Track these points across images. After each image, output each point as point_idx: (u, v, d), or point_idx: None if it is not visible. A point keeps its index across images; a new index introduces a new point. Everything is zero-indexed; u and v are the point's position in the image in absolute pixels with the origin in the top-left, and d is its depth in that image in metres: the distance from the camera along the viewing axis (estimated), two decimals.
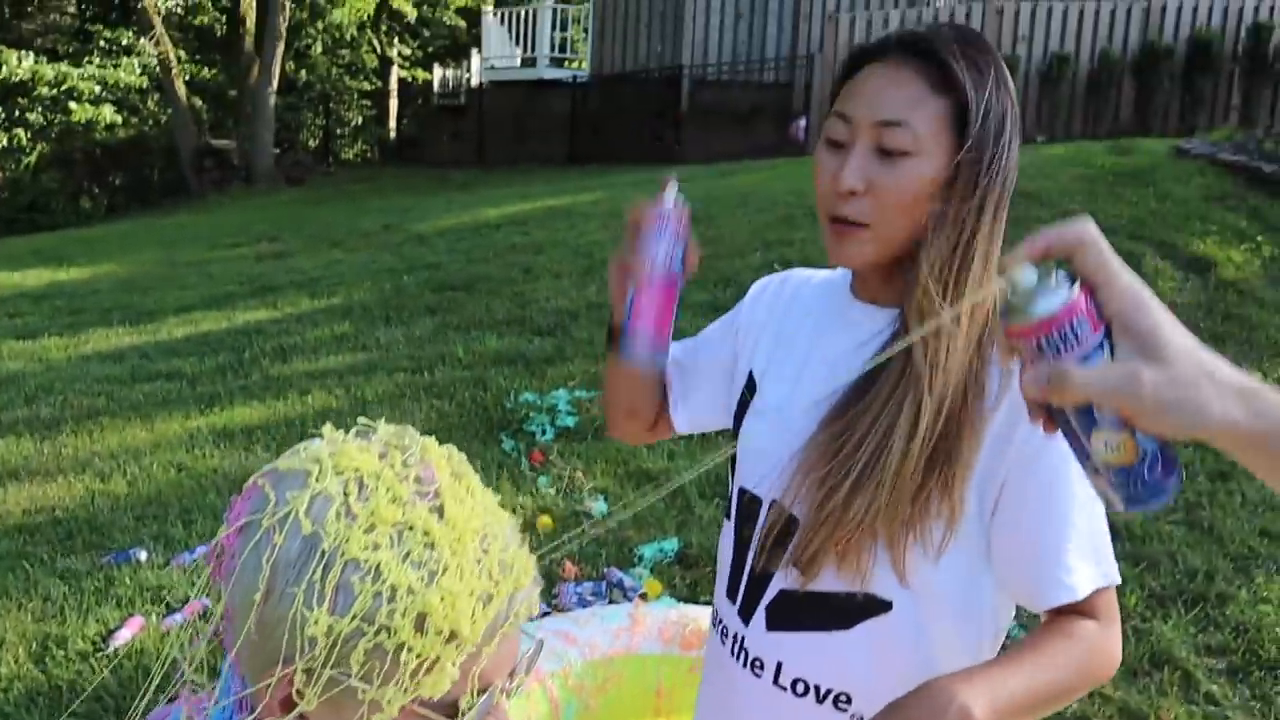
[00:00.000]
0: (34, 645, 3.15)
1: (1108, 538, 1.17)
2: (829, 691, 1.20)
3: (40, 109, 17.31)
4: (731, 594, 1.28)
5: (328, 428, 0.81)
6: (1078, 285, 0.68)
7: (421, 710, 0.74)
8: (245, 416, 5.17)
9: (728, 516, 1.32)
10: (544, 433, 4.52)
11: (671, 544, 3.45)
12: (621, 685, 2.07)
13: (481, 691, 0.76)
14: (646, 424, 1.46)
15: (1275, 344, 5.16)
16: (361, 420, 0.82)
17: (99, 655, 3.07)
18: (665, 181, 1.26)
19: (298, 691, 0.72)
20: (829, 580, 1.16)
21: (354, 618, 0.70)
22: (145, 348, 6.67)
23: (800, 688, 1.21)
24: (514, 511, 3.36)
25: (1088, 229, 0.69)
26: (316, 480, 0.74)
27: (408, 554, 0.71)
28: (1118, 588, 1.17)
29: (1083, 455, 0.75)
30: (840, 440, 1.13)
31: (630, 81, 14.82)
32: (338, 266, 8.73)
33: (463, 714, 0.75)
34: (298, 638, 0.71)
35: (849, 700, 1.19)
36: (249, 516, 0.75)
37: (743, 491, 1.27)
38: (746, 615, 1.25)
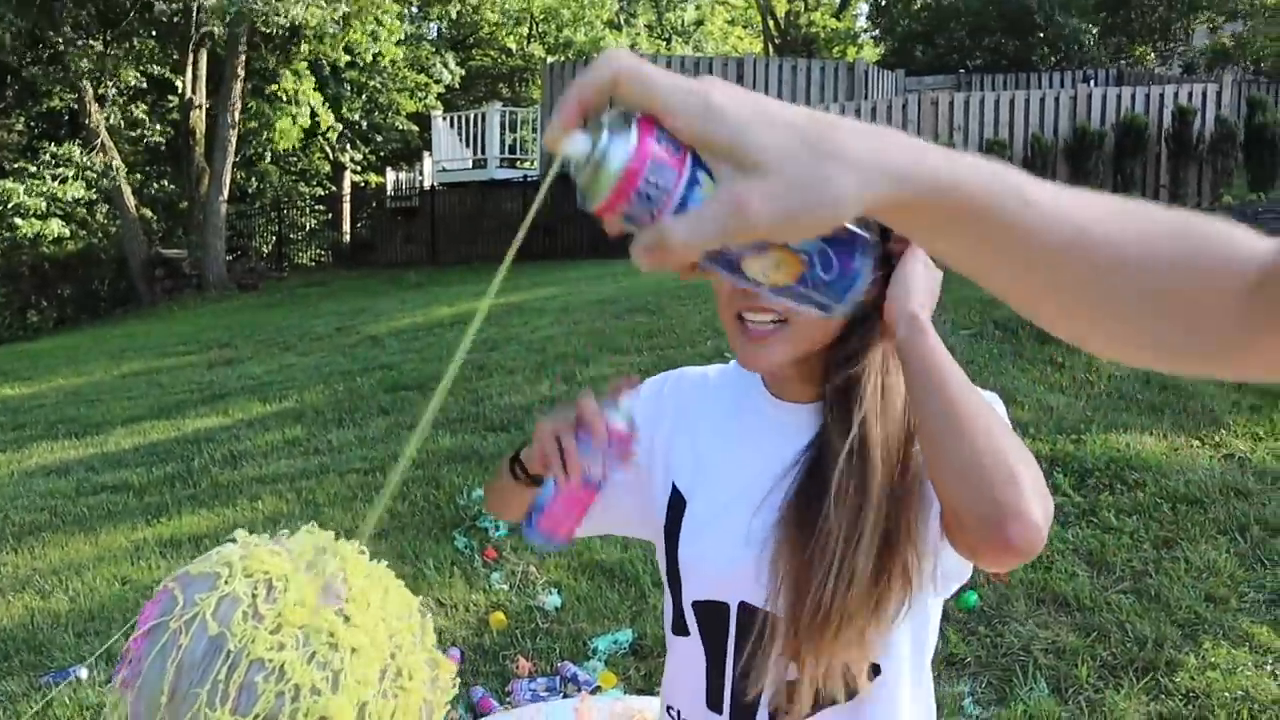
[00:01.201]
0: None
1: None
2: None
3: None
4: (716, 705, 1.25)
5: (240, 533, 0.81)
6: (634, 129, 0.54)
7: None
8: (193, 525, 5.09)
9: (680, 633, 1.28)
10: (497, 529, 4.48)
11: (626, 635, 3.42)
12: None
13: None
14: (518, 516, 1.42)
15: (1210, 412, 5.27)
16: (302, 526, 0.83)
17: None
18: (623, 387, 1.18)
19: None
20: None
21: (256, 718, 0.70)
22: (91, 460, 6.57)
23: None
24: (467, 609, 3.33)
25: (616, 59, 0.54)
26: (225, 583, 0.74)
27: (312, 655, 0.71)
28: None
29: (754, 288, 0.65)
30: (803, 543, 1.12)
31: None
32: (290, 370, 8.70)
33: None
34: None
35: None
36: (156, 619, 0.75)
37: (699, 604, 1.24)
38: (747, 718, 1.23)
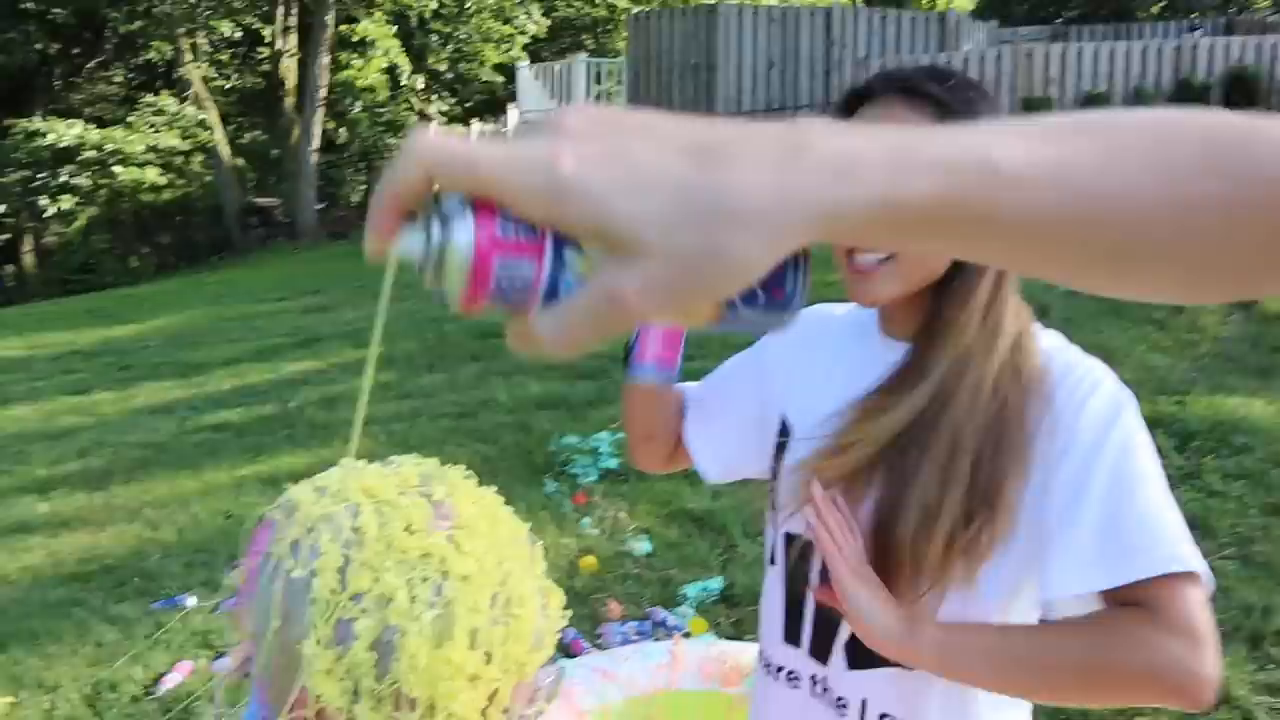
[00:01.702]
0: (87, 689, 3.19)
1: (1183, 528, 1.07)
2: None
3: (88, 173, 17.81)
4: (792, 638, 1.27)
5: (346, 459, 0.82)
6: (469, 218, 0.44)
7: None
8: (291, 464, 5.24)
9: (771, 562, 1.31)
10: (587, 474, 4.53)
11: (716, 583, 3.44)
12: None
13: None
14: (665, 450, 1.45)
15: None
16: (391, 457, 0.83)
17: (150, 699, 3.10)
18: None
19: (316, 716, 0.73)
20: None
21: (364, 646, 0.70)
22: (194, 400, 6.79)
23: None
24: (557, 553, 3.38)
25: (419, 147, 0.43)
26: (331, 504, 0.74)
27: (424, 581, 0.71)
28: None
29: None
30: (895, 471, 1.12)
31: None
32: None
33: None
34: (309, 665, 0.71)
35: None
36: (267, 547, 0.76)
37: (789, 536, 1.26)
38: (822, 656, 1.23)
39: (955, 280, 1.13)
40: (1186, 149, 0.44)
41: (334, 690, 0.71)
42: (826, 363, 1.30)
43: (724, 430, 1.41)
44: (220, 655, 3.34)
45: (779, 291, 0.50)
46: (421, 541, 0.72)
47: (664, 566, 3.63)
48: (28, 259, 20.06)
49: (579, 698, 2.06)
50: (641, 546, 3.76)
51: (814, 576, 1.22)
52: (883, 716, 1.20)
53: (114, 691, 3.16)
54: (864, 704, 1.21)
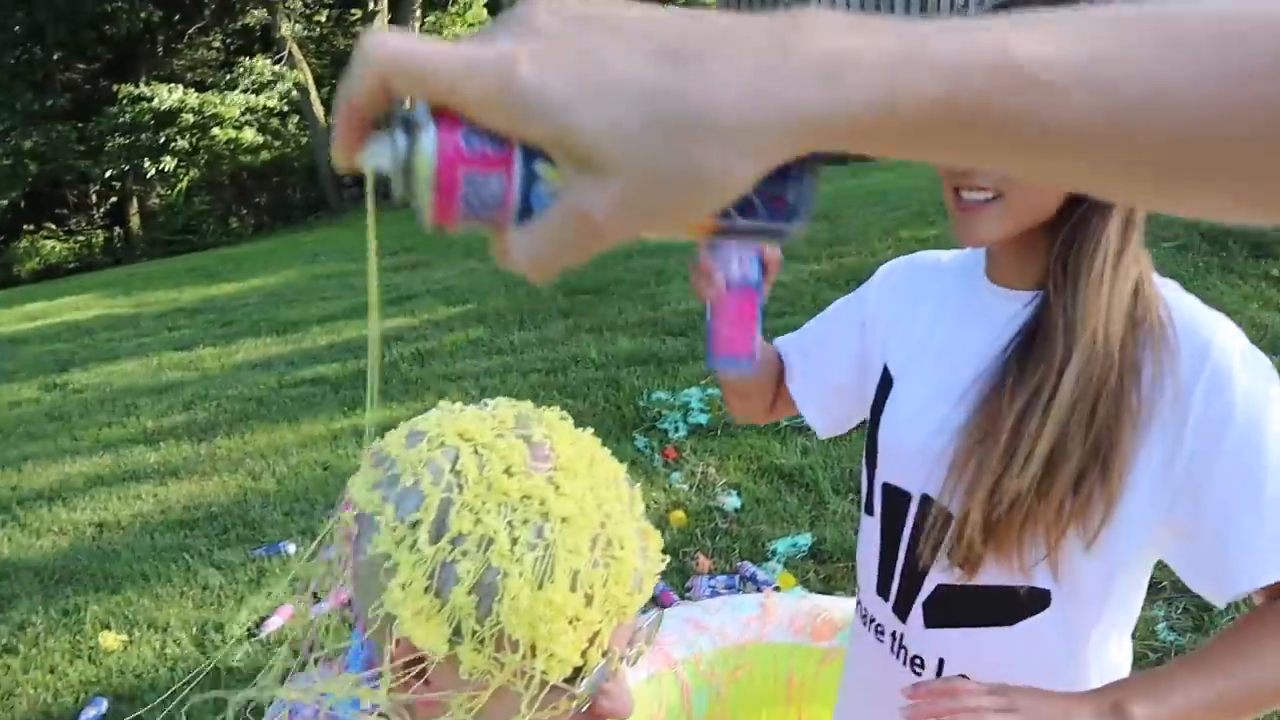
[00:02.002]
0: (195, 630, 3.31)
1: None
2: None
3: (188, 137, 18.31)
4: (882, 591, 1.24)
5: (443, 402, 0.80)
6: (432, 129, 0.40)
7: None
8: (385, 417, 5.34)
9: (869, 512, 1.27)
10: (677, 430, 4.52)
11: (805, 539, 3.40)
12: (752, 674, 2.05)
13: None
14: (763, 405, 1.43)
15: None
16: (485, 400, 0.82)
17: (253, 640, 3.21)
18: None
19: (414, 659, 0.73)
20: (989, 575, 1.11)
21: (465, 589, 0.69)
22: (291, 355, 6.95)
23: None
24: (647, 507, 3.37)
25: (375, 48, 0.39)
26: (429, 449, 0.73)
27: (524, 523, 0.70)
28: None
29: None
30: (998, 432, 1.06)
31: None
32: (472, 275, 8.94)
33: (581, 680, 0.73)
34: (404, 611, 0.70)
35: None
36: (368, 486, 0.75)
37: (888, 486, 1.23)
38: (902, 612, 1.21)
39: (1076, 223, 1.06)
40: (1257, 43, 0.37)
41: (431, 634, 0.70)
42: (930, 311, 1.25)
43: (830, 382, 1.38)
44: (319, 601, 3.43)
45: (779, 201, 0.45)
46: (521, 483, 0.71)
47: (753, 522, 3.61)
48: (134, 221, 20.76)
49: (670, 647, 2.06)
50: (731, 502, 3.75)
51: (908, 530, 1.19)
52: (959, 677, 1.17)
53: (219, 632, 3.27)
54: (941, 663, 1.19)
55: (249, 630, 3.27)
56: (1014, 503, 1.04)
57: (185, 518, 4.31)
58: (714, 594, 3.18)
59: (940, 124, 0.38)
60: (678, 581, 3.29)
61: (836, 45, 0.37)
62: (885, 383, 1.26)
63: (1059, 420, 1.03)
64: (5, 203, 18.79)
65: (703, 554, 3.39)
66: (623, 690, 0.79)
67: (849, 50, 0.37)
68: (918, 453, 1.16)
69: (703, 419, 4.55)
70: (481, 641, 0.70)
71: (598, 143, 0.37)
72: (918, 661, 1.20)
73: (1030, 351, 1.07)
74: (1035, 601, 1.11)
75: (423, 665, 0.73)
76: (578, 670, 0.73)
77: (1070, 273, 1.05)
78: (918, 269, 1.33)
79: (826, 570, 3.24)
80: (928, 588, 1.17)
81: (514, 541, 0.69)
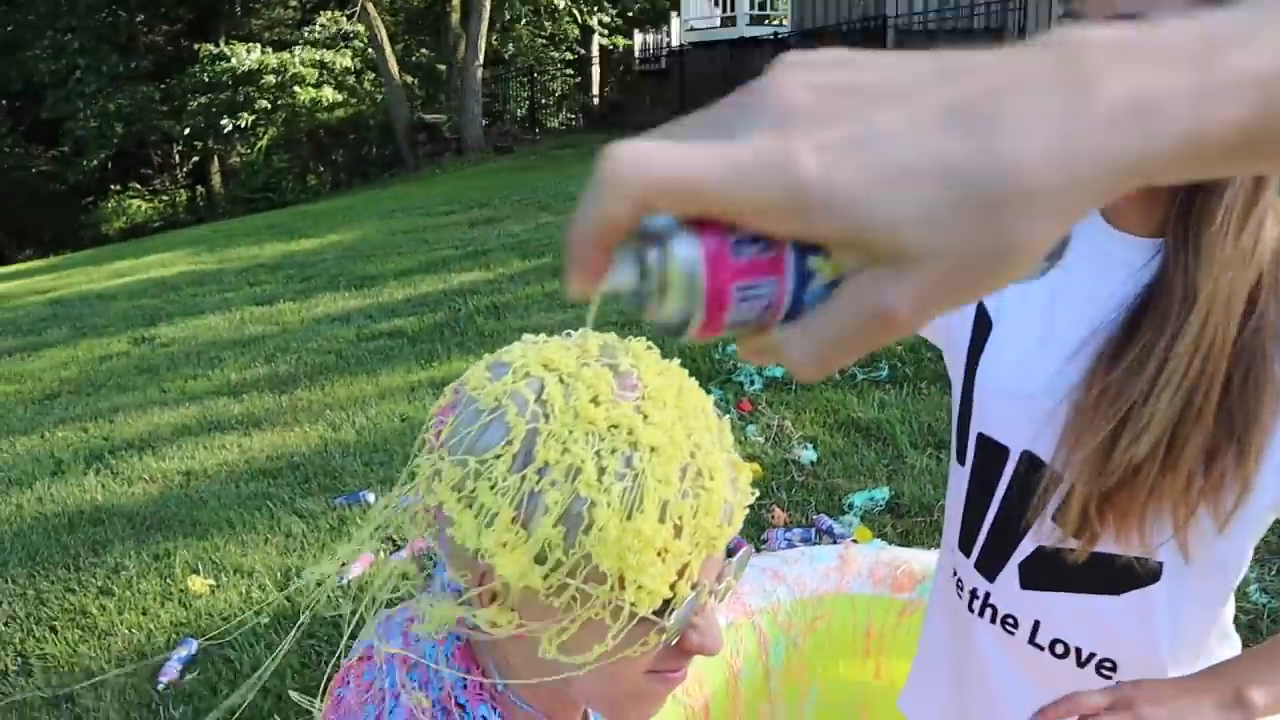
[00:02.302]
0: (279, 575, 3.39)
1: None
2: (1092, 656, 1.11)
3: (266, 95, 18.60)
4: (965, 546, 1.18)
5: (527, 335, 0.79)
6: (694, 244, 0.36)
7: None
8: (461, 369, 5.34)
9: (960, 461, 1.19)
10: (752, 383, 4.49)
11: (882, 493, 3.35)
12: (831, 624, 2.02)
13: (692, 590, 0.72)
14: None
15: None
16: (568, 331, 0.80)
17: (337, 586, 3.27)
18: None
19: (497, 592, 0.72)
20: (1100, 544, 1.03)
21: (552, 519, 0.67)
22: (369, 309, 7.05)
23: (1060, 649, 1.12)
24: None
25: (631, 168, 0.34)
26: (514, 380, 0.71)
27: (612, 453, 0.68)
28: None
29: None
30: (1115, 395, 0.98)
31: (833, 35, 14.46)
32: (547, 228, 8.96)
33: (669, 614, 0.71)
34: (491, 541, 0.69)
35: (1114, 667, 1.10)
36: (452, 416, 0.74)
37: (984, 438, 1.14)
38: (990, 571, 1.15)
39: None
40: None
41: (518, 565, 0.69)
42: None
43: None
44: (398, 549, 3.49)
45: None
46: (609, 412, 0.69)
47: (829, 475, 3.57)
48: (215, 180, 21.21)
49: (748, 597, 2.04)
50: (807, 455, 3.71)
51: (1003, 486, 1.12)
52: (1055, 641, 1.12)
53: (302, 578, 3.34)
54: (1036, 625, 1.13)
55: (332, 576, 3.34)
56: (1133, 475, 0.96)
57: (268, 467, 4.40)
58: (790, 546, 3.16)
59: (1243, 143, 0.34)
60: (753, 534, 3.27)
61: (1137, 83, 0.33)
62: (983, 323, 1.15)
63: (1180, 388, 0.94)
64: (93, 164, 19.30)
65: (778, 507, 3.36)
66: (713, 625, 0.77)
67: (1150, 84, 0.33)
68: (1021, 407, 1.08)
69: (778, 372, 4.51)
70: (569, 573, 0.68)
71: (902, 233, 0.33)
72: (1010, 621, 1.14)
73: (1149, 309, 0.98)
74: (1147, 574, 1.04)
75: (509, 597, 0.72)
76: (667, 603, 0.71)
77: (1191, 224, 0.96)
78: None
79: (904, 525, 3.19)
80: (1025, 548, 1.10)
81: (601, 471, 0.67)
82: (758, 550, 3.18)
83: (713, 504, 0.70)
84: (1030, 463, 1.07)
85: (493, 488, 0.69)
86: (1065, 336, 1.05)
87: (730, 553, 0.80)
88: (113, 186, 21.03)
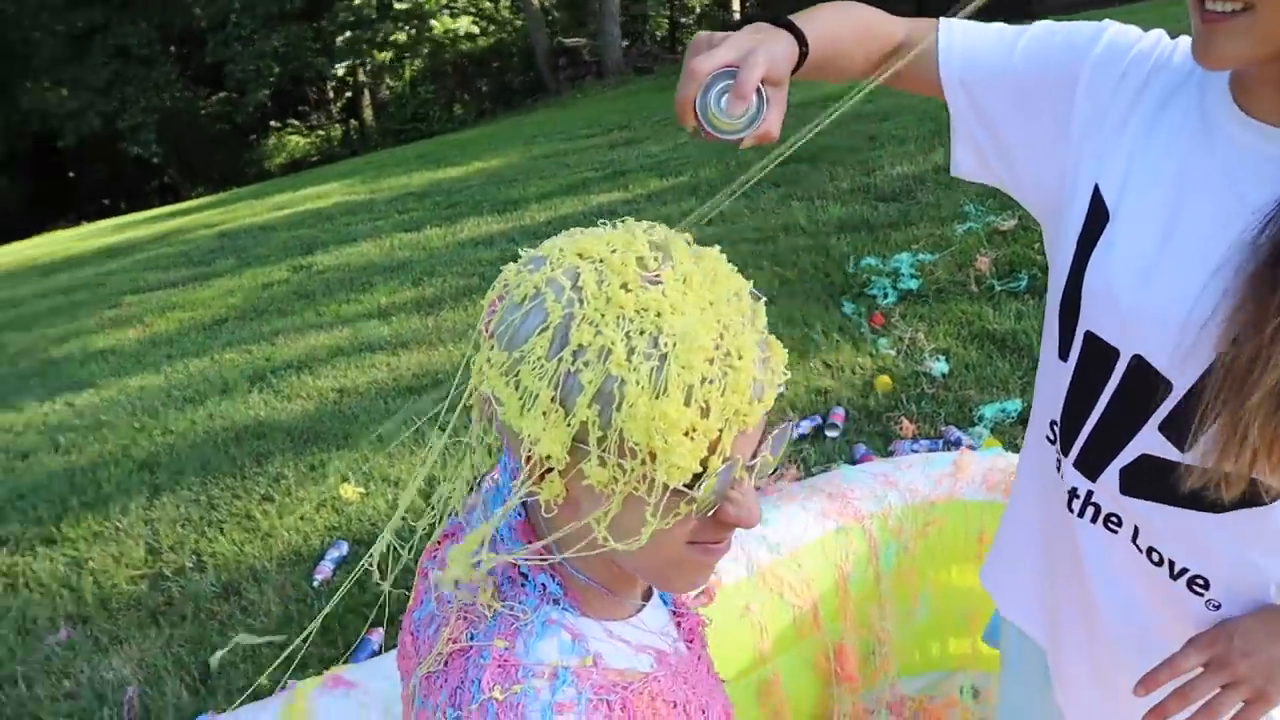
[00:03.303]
0: (423, 484, 3.57)
1: None
2: (1184, 570, 1.07)
3: (409, 27, 18.95)
4: (1065, 444, 1.14)
5: (574, 229, 0.82)
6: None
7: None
8: None
9: (1062, 357, 1.13)
10: (885, 296, 4.41)
11: (1015, 404, 3.28)
12: (943, 530, 2.01)
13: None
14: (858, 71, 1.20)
15: None
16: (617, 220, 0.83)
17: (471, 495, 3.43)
18: None
19: (545, 468, 0.75)
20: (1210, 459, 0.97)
21: (587, 399, 0.71)
22: (511, 232, 7.20)
23: (1155, 557, 1.09)
24: (853, 372, 3.34)
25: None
26: (551, 267, 0.75)
27: (641, 334, 0.71)
28: None
29: None
30: (1251, 319, 0.89)
31: None
32: (684, 148, 8.91)
33: (700, 484, 0.74)
34: (531, 423, 0.73)
35: (1206, 585, 1.06)
36: (496, 305, 0.78)
37: (1092, 337, 1.07)
38: (1092, 471, 1.11)
39: None
40: None
41: (558, 445, 0.73)
42: (1168, 128, 1.03)
43: (1008, 138, 1.14)
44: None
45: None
46: (638, 297, 0.72)
47: (961, 387, 3.50)
48: (366, 113, 21.83)
49: (858, 501, 2.05)
50: (938, 367, 3.65)
51: (1110, 389, 1.06)
52: (1151, 550, 1.09)
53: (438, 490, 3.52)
54: (1135, 530, 1.10)
55: (469, 485, 3.50)
56: (1260, 428, 0.89)
57: (414, 384, 4.61)
58: None
59: None
60: (880, 445, 3.26)
61: None
62: (1098, 212, 1.04)
63: None
64: (255, 103, 20.14)
65: (906, 418, 3.33)
66: (749, 498, 0.79)
67: None
68: (1138, 312, 1.01)
69: (912, 285, 4.42)
70: (605, 450, 0.72)
71: None
72: (1113, 520, 1.11)
73: None
74: (1254, 496, 0.98)
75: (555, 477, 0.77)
76: (698, 477, 0.74)
77: None
78: (1159, 74, 1.05)
79: None
80: (1129, 454, 1.06)
81: (631, 351, 0.70)
82: None
83: (741, 382, 0.72)
84: (1141, 369, 1.02)
85: (533, 370, 0.73)
86: (1193, 240, 0.97)
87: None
88: (273, 124, 21.92)
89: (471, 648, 0.84)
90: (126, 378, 5.60)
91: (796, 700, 2.00)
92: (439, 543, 1.03)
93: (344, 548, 3.25)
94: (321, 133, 22.26)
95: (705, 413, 0.71)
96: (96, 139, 19.81)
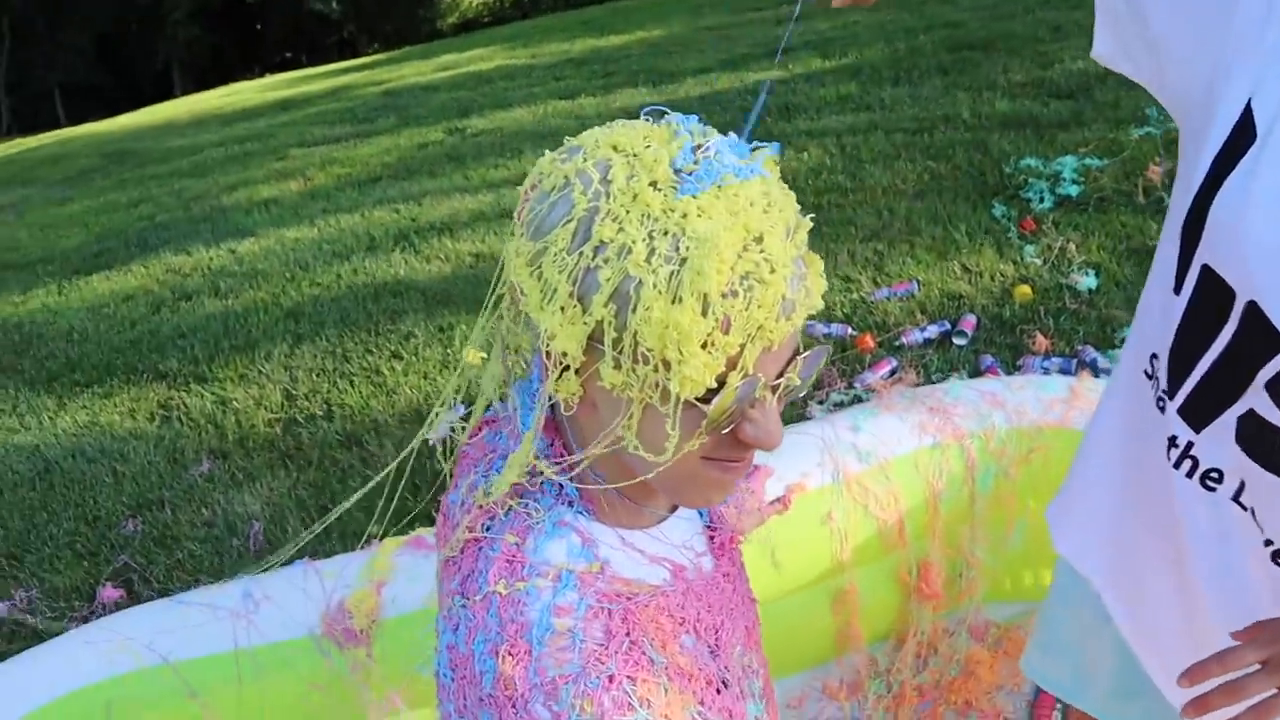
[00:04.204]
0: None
1: None
2: (1270, 542, 1.00)
3: None
4: (1172, 384, 1.03)
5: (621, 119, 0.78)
6: None
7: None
8: None
9: (1175, 290, 1.02)
10: (1041, 200, 4.16)
11: None
12: (1048, 458, 1.91)
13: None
14: None
15: None
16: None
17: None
18: None
19: (563, 365, 0.73)
20: None
21: (604, 296, 0.68)
22: (662, 106, 7.08)
23: (1254, 520, 1.01)
24: (992, 278, 3.18)
25: None
26: (584, 159, 0.72)
27: (664, 234, 0.68)
28: None
29: None
30: None
31: None
32: (853, 27, 8.52)
33: (714, 399, 0.70)
34: (547, 317, 0.71)
35: None
36: (530, 194, 0.76)
37: (1209, 272, 0.96)
38: (1197, 421, 1.01)
39: None
40: None
41: (574, 340, 0.71)
42: None
43: (1150, 30, 1.03)
44: None
45: None
46: (665, 197, 0.69)
47: (1107, 306, 3.30)
48: None
49: (960, 418, 1.97)
50: (1085, 282, 3.43)
51: (1225, 336, 0.96)
52: (1253, 512, 1.00)
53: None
54: (1241, 486, 1.00)
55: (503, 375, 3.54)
56: None
57: None
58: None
59: None
60: (1009, 358, 3.12)
61: None
62: (1244, 131, 0.93)
63: None
64: None
65: (1042, 333, 3.16)
66: (769, 419, 0.76)
67: None
68: (1266, 253, 0.90)
69: (1073, 190, 4.15)
70: (620, 351, 0.70)
71: None
72: (1213, 476, 1.02)
73: None
74: None
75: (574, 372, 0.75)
76: (714, 391, 0.71)
77: None
78: None
79: None
80: (1237, 408, 0.97)
81: (651, 252, 0.67)
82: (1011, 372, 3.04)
83: (768, 297, 0.68)
84: (1255, 317, 0.92)
85: (554, 262, 0.71)
86: None
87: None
88: None
89: (484, 539, 0.85)
90: (284, 229, 5.84)
91: (872, 612, 1.97)
92: (479, 428, 1.04)
93: (461, 410, 3.35)
94: None
95: (726, 326, 0.68)
96: None
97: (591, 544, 0.83)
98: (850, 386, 3.08)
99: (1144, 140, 4.51)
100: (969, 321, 3.28)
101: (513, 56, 10.51)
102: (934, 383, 3.13)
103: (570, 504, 0.85)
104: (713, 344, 0.68)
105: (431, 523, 2.33)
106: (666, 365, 0.69)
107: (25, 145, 15.08)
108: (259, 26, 23.30)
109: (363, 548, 1.81)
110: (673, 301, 0.67)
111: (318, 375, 3.81)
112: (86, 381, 4.20)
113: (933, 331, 3.29)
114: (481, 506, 0.88)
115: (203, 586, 1.75)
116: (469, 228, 5.18)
